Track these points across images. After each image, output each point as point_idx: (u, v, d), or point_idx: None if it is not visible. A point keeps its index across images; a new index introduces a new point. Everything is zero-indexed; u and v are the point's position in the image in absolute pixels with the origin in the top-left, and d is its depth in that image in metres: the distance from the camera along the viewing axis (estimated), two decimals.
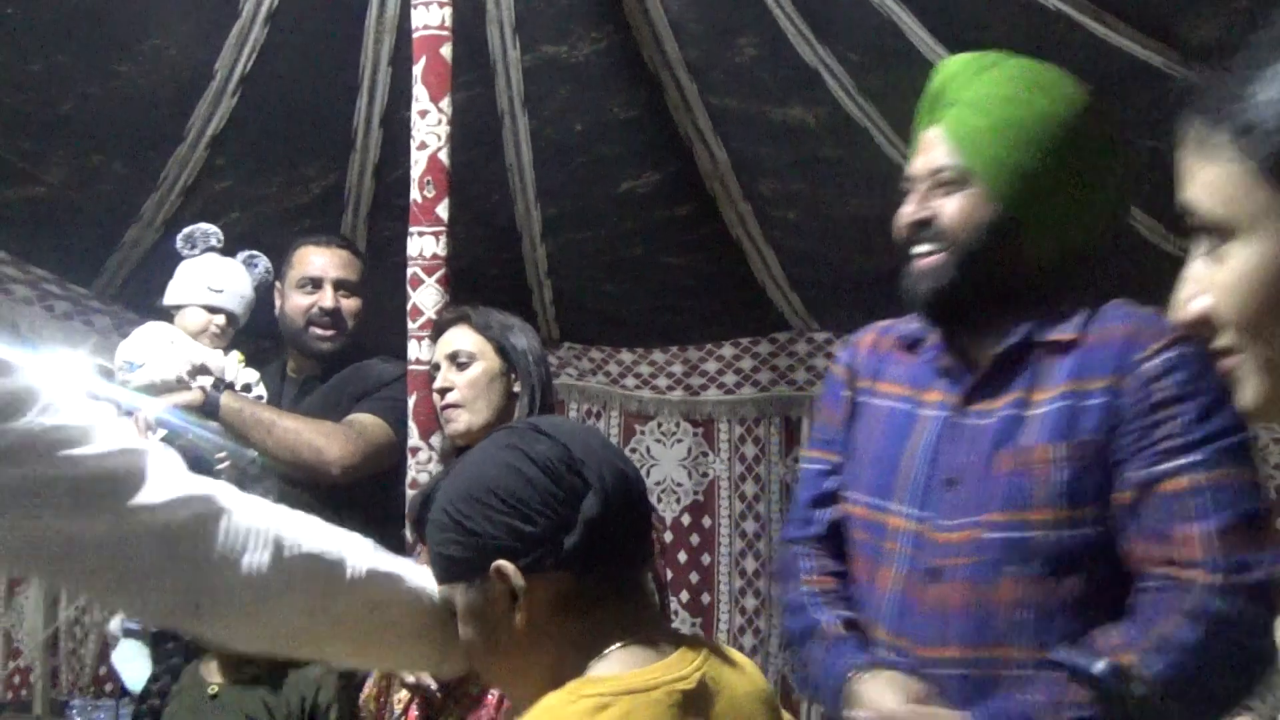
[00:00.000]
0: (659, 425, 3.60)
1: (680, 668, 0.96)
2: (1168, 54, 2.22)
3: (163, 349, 2.31)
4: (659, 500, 3.54)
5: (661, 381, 3.61)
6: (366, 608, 1.03)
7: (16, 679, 3.37)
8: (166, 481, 0.93)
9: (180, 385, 2.25)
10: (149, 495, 0.91)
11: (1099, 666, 1.18)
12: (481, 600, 0.98)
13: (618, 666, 0.95)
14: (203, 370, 2.31)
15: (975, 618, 1.34)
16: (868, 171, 2.86)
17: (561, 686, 0.94)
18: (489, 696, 1.79)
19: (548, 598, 0.96)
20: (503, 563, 0.96)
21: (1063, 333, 1.38)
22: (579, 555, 0.95)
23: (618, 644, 0.96)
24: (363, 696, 1.94)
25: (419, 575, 1.09)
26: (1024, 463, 1.34)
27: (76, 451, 0.86)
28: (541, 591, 0.96)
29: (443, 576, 1.03)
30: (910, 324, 1.53)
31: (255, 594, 0.97)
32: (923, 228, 1.44)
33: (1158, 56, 2.22)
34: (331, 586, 1.01)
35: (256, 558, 0.96)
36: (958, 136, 1.42)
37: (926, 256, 1.43)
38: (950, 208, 1.41)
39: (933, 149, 1.45)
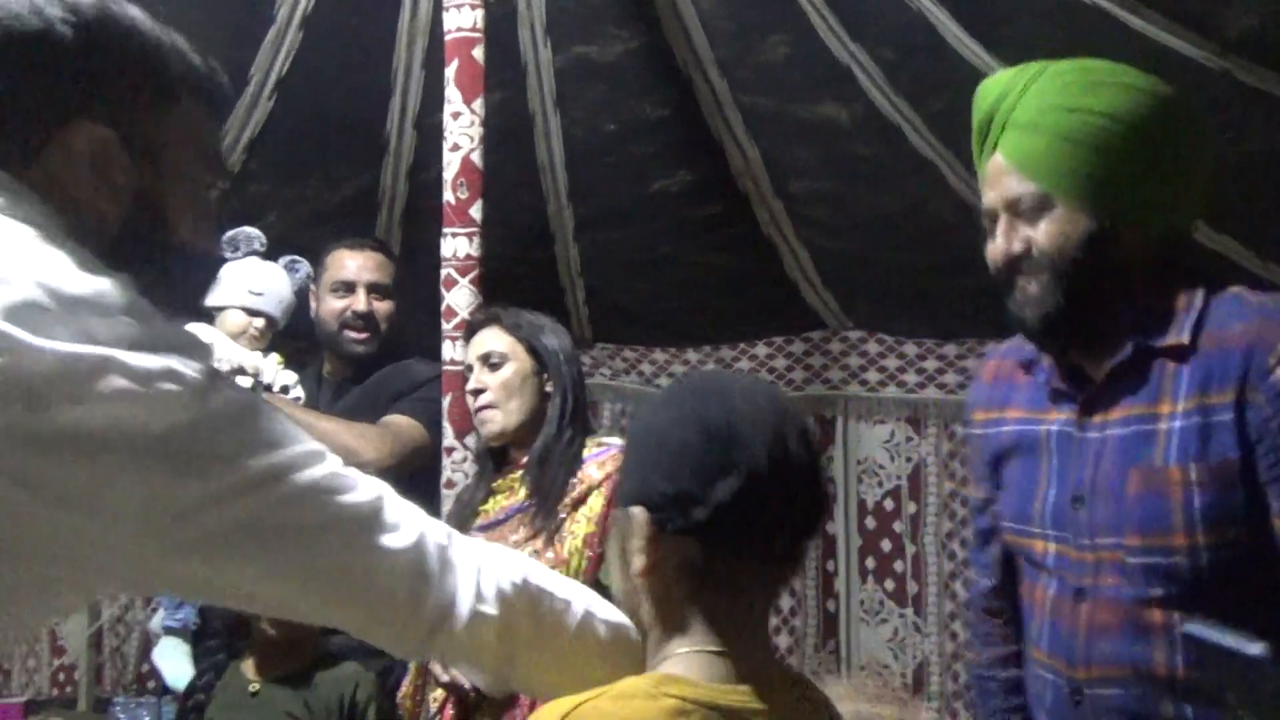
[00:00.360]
0: None
1: (757, 699, 0.95)
2: (1207, 46, 2.18)
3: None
4: None
5: None
6: (603, 652, 1.06)
7: (61, 676, 3.43)
8: (464, 589, 0.96)
9: None
10: (459, 607, 0.95)
11: (1256, 648, 1.11)
12: (620, 533, 1.01)
13: (698, 672, 0.95)
14: (239, 371, 2.33)
15: (1121, 638, 1.33)
16: (901, 168, 2.84)
17: (651, 652, 0.97)
18: (523, 697, 1.80)
19: (669, 558, 0.97)
20: (637, 510, 0.97)
21: (1176, 337, 1.34)
22: (705, 530, 0.95)
23: (713, 646, 0.96)
24: (399, 695, 1.96)
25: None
26: (1158, 485, 1.31)
27: (386, 542, 0.90)
28: (665, 549, 0.96)
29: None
30: (1025, 346, 1.51)
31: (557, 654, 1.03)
32: (1020, 259, 1.40)
33: (1197, 49, 2.19)
34: (599, 637, 1.06)
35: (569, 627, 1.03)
36: (1022, 162, 1.38)
37: (1029, 285, 1.40)
38: (1042, 234, 1.37)
39: (1001, 179, 1.41)
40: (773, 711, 0.94)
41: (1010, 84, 1.42)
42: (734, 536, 0.96)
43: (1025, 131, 1.38)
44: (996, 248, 1.42)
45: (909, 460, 3.35)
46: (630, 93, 3.01)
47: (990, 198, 1.42)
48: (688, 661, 0.96)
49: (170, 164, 0.97)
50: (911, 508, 3.34)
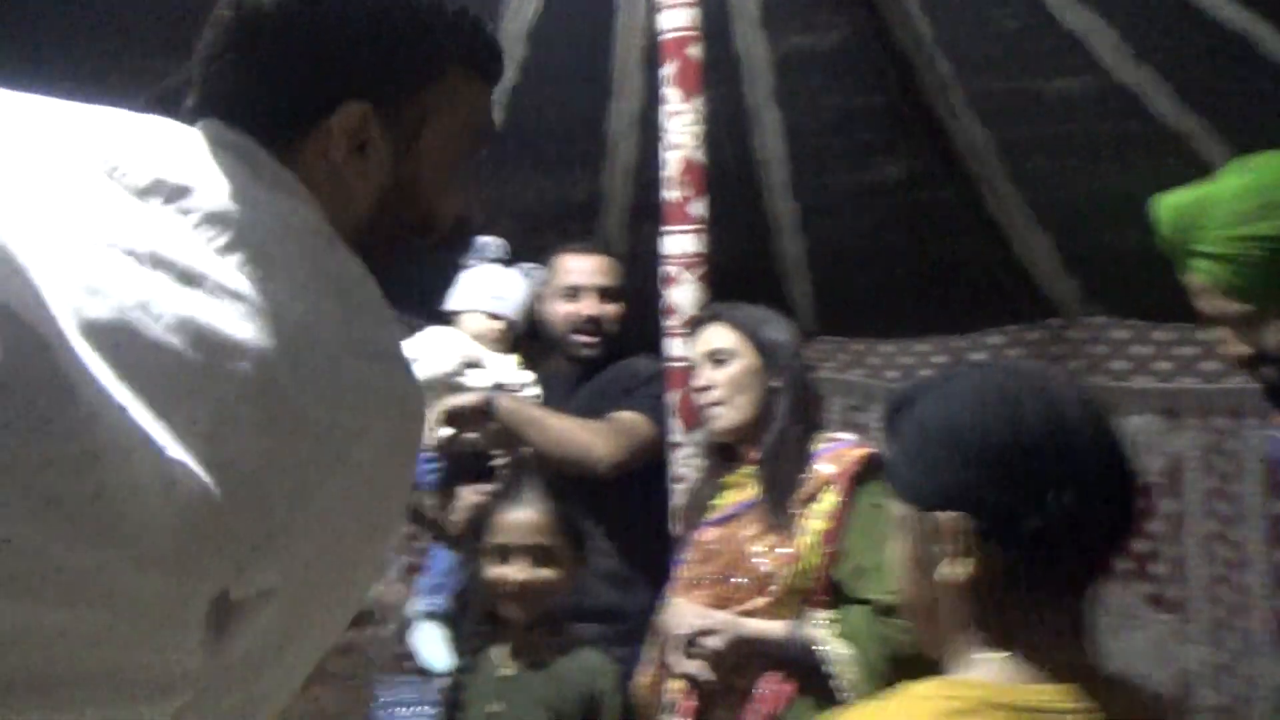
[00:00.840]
0: None
1: (1067, 698, 0.89)
2: None
3: (439, 348, 2.48)
4: None
5: (925, 372, 3.50)
6: None
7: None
8: None
9: (458, 384, 2.40)
10: None
11: None
12: (915, 535, 0.95)
13: (1005, 675, 0.90)
14: (474, 364, 2.45)
15: None
16: (1142, 143, 2.65)
17: (950, 657, 0.93)
18: (762, 691, 1.80)
19: (989, 567, 0.91)
20: (951, 515, 0.91)
21: None
22: (1031, 540, 0.90)
23: (1022, 649, 0.91)
24: (637, 684, 2.00)
25: None
26: None
27: None
28: (985, 558, 0.91)
29: (894, 488, 0.99)
30: None
31: None
32: (1258, 361, 1.49)
33: None
34: None
35: None
36: (1221, 287, 1.46)
37: (1270, 373, 1.49)
38: (1270, 340, 1.45)
39: (1207, 297, 1.49)
40: (1086, 712, 0.88)
41: (1186, 213, 1.49)
42: (1060, 546, 0.90)
43: (1216, 261, 1.45)
44: (1231, 351, 1.51)
45: (1164, 455, 3.12)
46: (849, 80, 2.96)
47: (1204, 306, 1.51)
48: (993, 666, 0.91)
49: (429, 146, 0.88)
50: (1170, 506, 3.11)
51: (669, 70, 2.30)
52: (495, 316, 2.59)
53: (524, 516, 1.99)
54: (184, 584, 0.66)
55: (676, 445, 2.26)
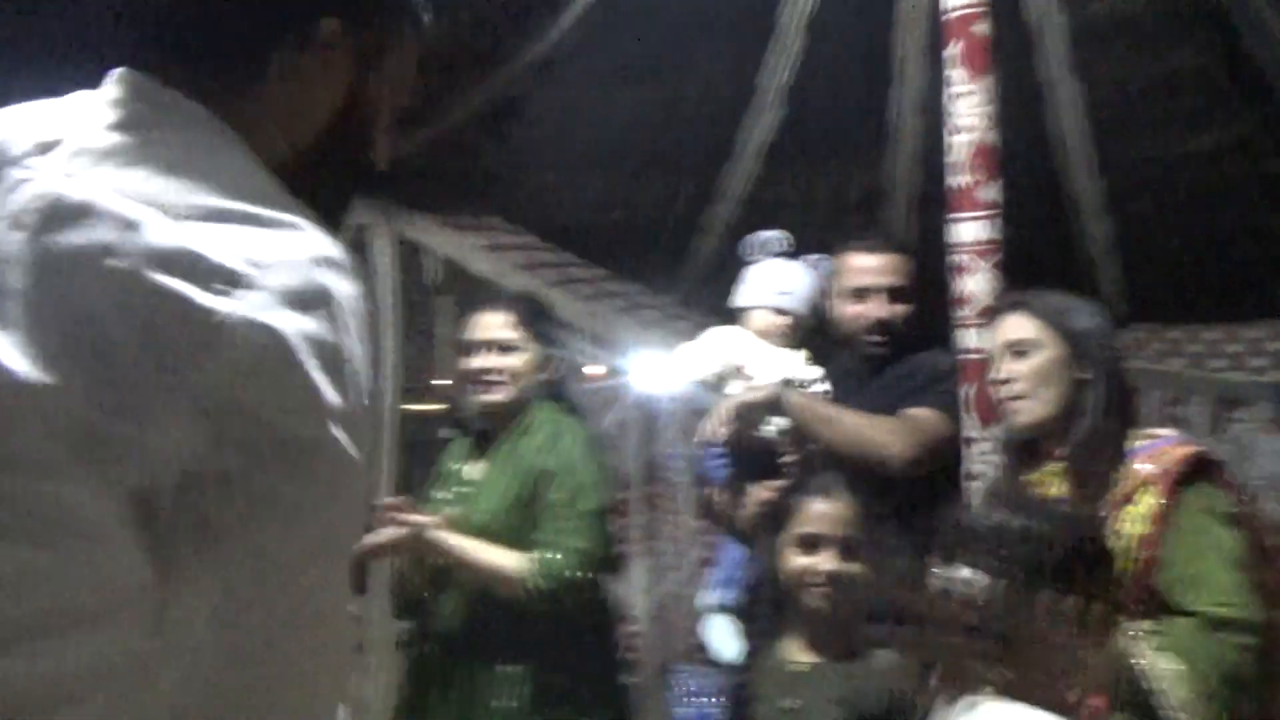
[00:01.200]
0: (1255, 412, 3.14)
1: None
2: None
3: (714, 352, 2.52)
4: (1256, 500, 3.08)
5: (1258, 361, 3.16)
6: None
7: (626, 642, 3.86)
8: None
9: (732, 380, 2.43)
10: None
11: None
12: None
13: None
14: (739, 374, 2.46)
15: None
16: None
17: None
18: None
19: None
20: None
21: None
22: None
23: None
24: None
25: None
26: None
27: None
28: None
29: None
30: None
31: None
32: None
33: None
34: None
35: None
36: None
37: None
38: None
39: None
40: None
41: None
42: None
43: None
44: None
45: None
46: (1159, 44, 2.73)
47: None
48: None
49: (382, 76, 0.94)
50: None
51: (954, 50, 2.21)
52: (781, 312, 2.59)
53: (833, 507, 1.98)
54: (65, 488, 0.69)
55: (972, 441, 2.17)
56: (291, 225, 0.78)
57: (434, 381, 4.03)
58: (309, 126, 0.92)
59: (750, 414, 2.35)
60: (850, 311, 2.49)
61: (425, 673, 2.26)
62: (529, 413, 2.28)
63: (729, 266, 2.76)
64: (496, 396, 2.27)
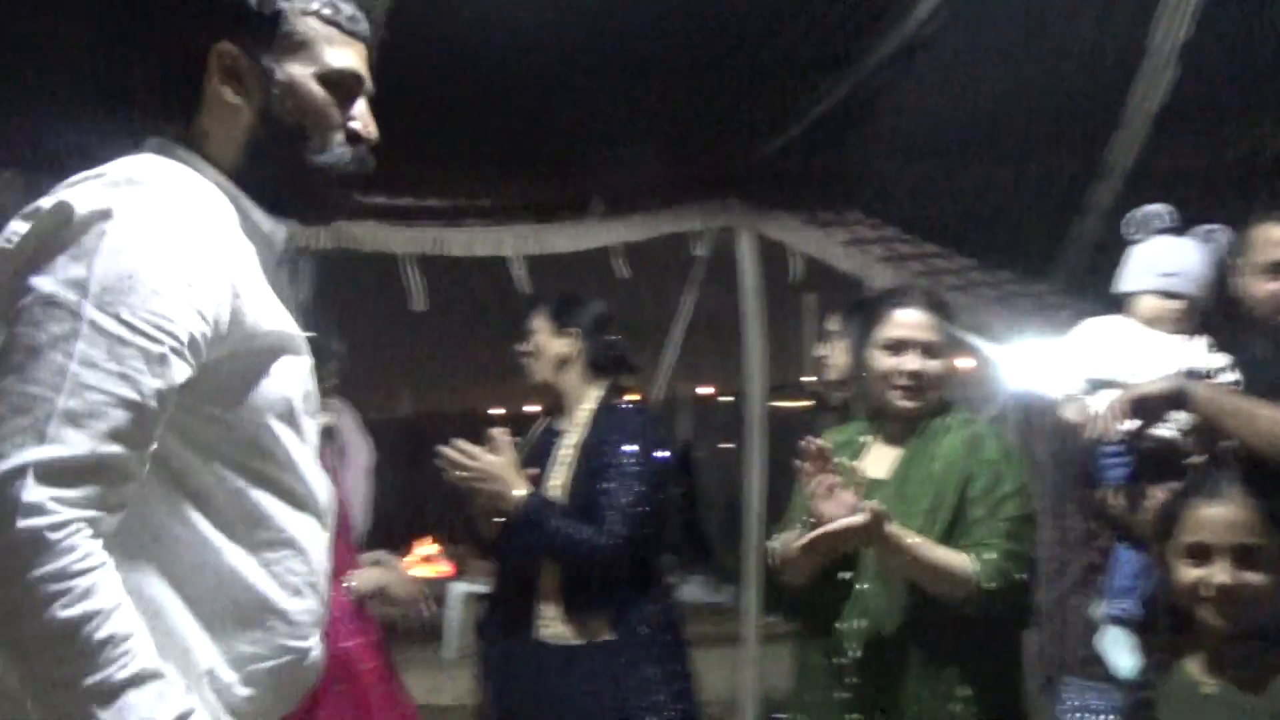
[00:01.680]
0: None
1: None
2: None
3: (1096, 345, 2.34)
4: None
5: None
6: None
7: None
8: None
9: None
10: None
11: None
12: None
13: None
14: (1107, 385, 2.25)
15: None
16: None
17: None
18: None
19: None
20: None
21: None
22: None
23: None
24: None
25: None
26: None
27: None
28: None
29: None
30: None
31: None
32: None
33: None
34: None
35: None
36: None
37: None
38: None
39: None
40: None
41: None
42: None
43: None
44: None
45: None
46: None
47: None
48: None
49: (290, 77, 1.14)
50: None
51: None
52: (1170, 295, 2.35)
53: (1225, 512, 1.80)
54: None
55: None
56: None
57: (800, 379, 4.07)
58: (242, 125, 1.15)
59: (1149, 408, 2.16)
60: (1266, 290, 2.21)
61: (829, 669, 2.14)
62: (946, 414, 2.19)
63: (1111, 248, 2.55)
64: (918, 403, 2.17)
